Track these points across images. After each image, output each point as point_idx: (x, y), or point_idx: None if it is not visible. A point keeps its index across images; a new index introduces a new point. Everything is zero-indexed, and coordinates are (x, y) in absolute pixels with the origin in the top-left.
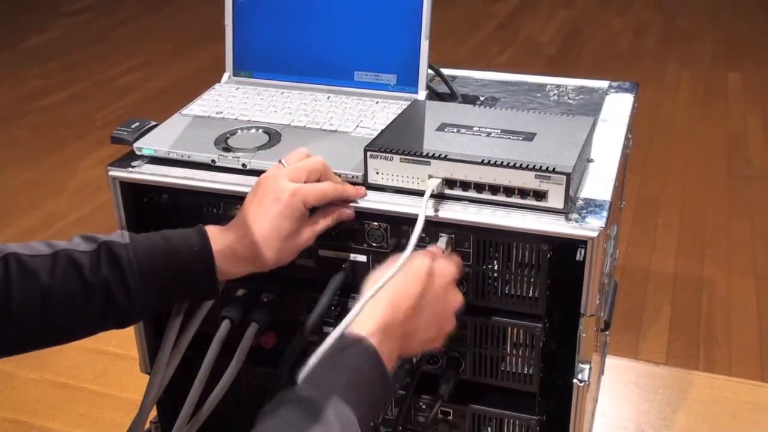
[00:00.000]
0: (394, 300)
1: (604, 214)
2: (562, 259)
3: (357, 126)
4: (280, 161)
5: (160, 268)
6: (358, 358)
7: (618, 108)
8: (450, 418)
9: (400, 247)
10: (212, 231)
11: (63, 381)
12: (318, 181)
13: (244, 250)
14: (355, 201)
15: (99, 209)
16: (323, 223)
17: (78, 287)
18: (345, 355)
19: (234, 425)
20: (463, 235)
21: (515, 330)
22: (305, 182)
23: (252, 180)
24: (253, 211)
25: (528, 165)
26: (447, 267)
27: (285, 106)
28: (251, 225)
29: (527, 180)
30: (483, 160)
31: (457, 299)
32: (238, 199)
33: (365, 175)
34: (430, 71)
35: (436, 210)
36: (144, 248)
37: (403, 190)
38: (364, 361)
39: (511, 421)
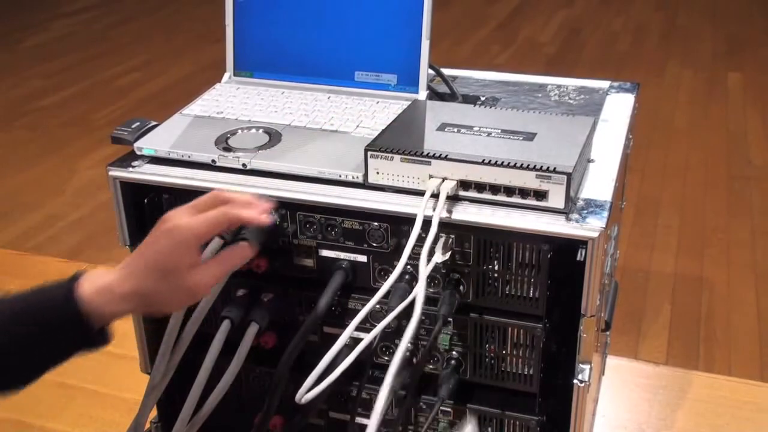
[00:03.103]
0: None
1: (605, 214)
2: (563, 259)
3: (357, 126)
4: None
5: (20, 324)
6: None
7: (619, 108)
8: (450, 418)
9: (400, 248)
10: (92, 272)
11: (63, 381)
12: None
13: (124, 286)
14: (270, 225)
15: (99, 209)
16: (220, 267)
17: None
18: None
19: (234, 425)
20: (463, 235)
21: (515, 330)
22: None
23: (252, 180)
24: (140, 247)
25: (528, 165)
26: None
27: (285, 106)
28: (134, 259)
29: (528, 180)
30: (483, 159)
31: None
32: None
33: (366, 174)
34: (431, 71)
35: (436, 210)
36: (3, 309)
37: (404, 190)
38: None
39: (511, 421)
